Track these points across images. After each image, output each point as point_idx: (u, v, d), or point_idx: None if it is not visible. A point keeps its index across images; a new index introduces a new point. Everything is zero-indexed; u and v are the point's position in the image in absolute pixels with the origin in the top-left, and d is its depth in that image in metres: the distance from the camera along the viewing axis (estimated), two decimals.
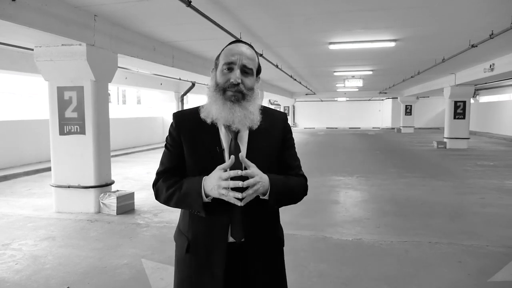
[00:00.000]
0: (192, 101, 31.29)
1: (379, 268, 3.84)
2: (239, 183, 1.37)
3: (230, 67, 1.51)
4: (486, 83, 15.89)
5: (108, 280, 3.60)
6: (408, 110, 27.62)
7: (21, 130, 10.78)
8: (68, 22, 5.16)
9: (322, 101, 34.48)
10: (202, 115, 1.55)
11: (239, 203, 1.40)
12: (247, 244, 1.55)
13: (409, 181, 8.52)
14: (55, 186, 6.02)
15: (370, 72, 14.62)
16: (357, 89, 23.51)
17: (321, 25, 6.76)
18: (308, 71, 14.52)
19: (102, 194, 5.94)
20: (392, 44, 8.15)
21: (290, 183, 1.58)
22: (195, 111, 1.60)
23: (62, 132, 5.93)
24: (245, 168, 1.46)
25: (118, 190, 6.20)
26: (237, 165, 1.47)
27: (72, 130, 5.89)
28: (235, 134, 1.54)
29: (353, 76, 16.15)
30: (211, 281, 1.54)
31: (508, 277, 3.61)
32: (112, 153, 7.15)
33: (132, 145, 16.08)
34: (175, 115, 1.64)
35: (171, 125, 1.63)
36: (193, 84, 17.02)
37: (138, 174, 9.69)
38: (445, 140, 16.14)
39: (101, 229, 5.16)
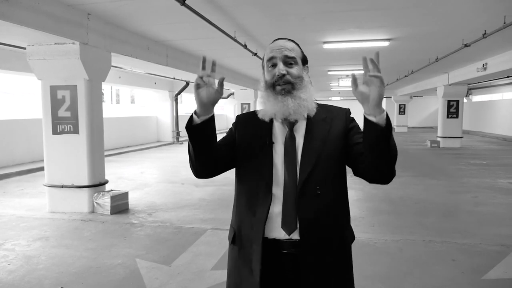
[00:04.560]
0: (186, 100, 31.19)
1: (373, 266, 3.86)
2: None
3: (273, 63, 1.53)
4: (479, 82, 16.00)
5: (102, 280, 3.58)
6: (402, 110, 27.78)
7: (14, 129, 10.67)
8: (61, 20, 5.12)
9: (316, 100, 34.44)
10: (260, 115, 1.57)
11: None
12: (301, 242, 1.46)
13: (403, 180, 8.56)
14: (48, 186, 5.97)
15: None
16: (351, 89, 23.54)
17: (316, 24, 6.76)
18: None
19: (96, 194, 5.90)
20: (386, 43, 8.18)
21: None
22: (254, 112, 1.64)
23: (55, 132, 5.88)
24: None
25: (112, 190, 6.16)
26: (291, 163, 1.50)
27: (66, 130, 5.85)
28: (291, 126, 1.55)
29: (347, 76, 16.17)
30: (249, 275, 1.51)
31: (502, 274, 3.64)
32: (105, 153, 7.11)
33: (126, 144, 16.00)
34: (238, 116, 1.72)
35: (232, 123, 1.70)
36: (187, 83, 16.97)
37: (132, 174, 9.65)
38: (438, 139, 16.24)
39: (95, 229, 5.13)
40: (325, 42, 8.29)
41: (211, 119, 1.47)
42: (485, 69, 11.08)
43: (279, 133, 1.56)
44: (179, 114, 18.70)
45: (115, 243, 4.57)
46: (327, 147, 1.52)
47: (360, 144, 1.49)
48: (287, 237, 1.48)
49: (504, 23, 6.14)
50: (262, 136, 1.56)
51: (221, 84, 1.43)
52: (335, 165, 1.54)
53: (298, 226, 1.47)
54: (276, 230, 1.49)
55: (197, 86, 1.42)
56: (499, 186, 7.80)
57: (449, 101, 15.77)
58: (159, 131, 18.63)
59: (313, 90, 1.59)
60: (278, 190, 1.50)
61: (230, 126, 1.71)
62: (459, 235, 4.79)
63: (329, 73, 15.09)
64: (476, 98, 28.09)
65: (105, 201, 5.80)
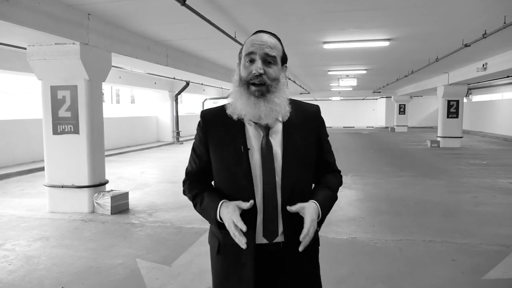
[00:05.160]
0: (186, 100, 31.19)
1: (374, 266, 3.86)
2: (242, 237, 1.40)
3: (251, 58, 1.45)
4: (479, 82, 16.00)
5: (103, 280, 3.58)
6: (402, 109, 27.76)
7: (14, 129, 10.68)
8: (61, 20, 5.12)
9: (316, 100, 34.52)
10: (229, 111, 1.50)
11: (244, 247, 1.40)
12: (285, 245, 1.51)
13: (403, 180, 8.56)
14: (49, 186, 5.97)
15: (364, 72, 14.67)
16: (351, 88, 23.58)
17: (316, 24, 6.77)
18: (303, 70, 14.54)
19: (96, 194, 5.91)
20: (386, 43, 8.18)
21: (334, 194, 1.61)
22: (222, 108, 1.55)
23: (55, 132, 5.88)
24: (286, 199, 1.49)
25: (112, 190, 6.17)
26: (269, 171, 1.48)
27: (66, 130, 5.85)
28: (266, 131, 1.49)
29: (347, 76, 16.19)
30: (240, 283, 1.50)
31: (502, 274, 3.64)
32: (105, 153, 7.11)
33: (126, 144, 16.00)
34: (203, 114, 1.60)
35: (198, 124, 1.59)
36: (187, 83, 16.98)
37: (132, 174, 9.65)
38: (438, 139, 16.25)
39: (95, 229, 5.13)
40: (325, 42, 8.29)
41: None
42: (485, 69, 11.08)
43: (253, 138, 1.50)
44: (179, 114, 18.70)
45: (115, 243, 4.57)
46: (306, 158, 1.54)
47: (324, 159, 1.64)
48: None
49: (504, 23, 6.14)
50: (236, 142, 1.49)
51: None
52: (311, 173, 1.57)
53: (279, 233, 1.51)
54: (259, 237, 1.51)
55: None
56: (499, 186, 7.80)
57: (449, 101, 15.77)
58: (159, 131, 18.64)
59: (288, 93, 1.53)
60: (258, 199, 1.49)
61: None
62: (459, 235, 4.79)
63: (329, 73, 15.10)
64: (476, 98, 28.09)
65: (106, 201, 5.81)
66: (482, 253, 4.18)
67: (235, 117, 1.49)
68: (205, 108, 1.64)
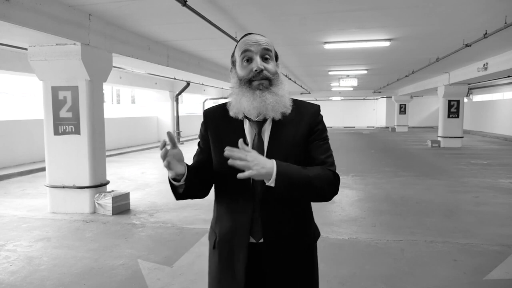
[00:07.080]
0: (187, 100, 31.18)
1: (375, 267, 3.86)
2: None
3: (248, 57, 1.45)
4: (479, 82, 15.99)
5: (104, 281, 3.59)
6: (402, 109, 27.76)
7: (14, 130, 10.68)
8: (62, 21, 5.12)
9: (317, 100, 34.53)
10: (232, 112, 1.49)
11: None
12: (265, 244, 1.49)
13: (404, 180, 8.56)
14: (50, 187, 5.97)
15: (365, 72, 14.66)
16: (352, 89, 23.56)
17: (316, 24, 6.76)
18: (303, 70, 14.53)
19: (97, 194, 5.91)
20: (387, 43, 8.18)
21: (306, 172, 1.39)
22: (224, 106, 1.55)
23: (56, 132, 5.88)
24: None
25: (113, 190, 6.17)
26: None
27: (67, 130, 5.85)
28: (259, 129, 1.49)
29: (348, 76, 16.18)
30: (233, 279, 1.51)
31: (503, 275, 3.64)
32: (106, 153, 7.11)
33: (127, 144, 16.01)
34: (205, 112, 1.61)
35: (202, 123, 1.62)
36: (188, 84, 16.98)
37: (133, 174, 9.65)
38: (439, 139, 16.24)
39: (96, 230, 5.13)
40: (325, 43, 8.28)
41: (189, 171, 1.48)
42: (485, 69, 11.07)
43: (248, 135, 1.50)
44: (179, 114, 18.71)
45: (116, 244, 4.57)
46: (295, 150, 1.48)
47: (310, 154, 1.51)
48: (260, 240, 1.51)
49: (505, 23, 6.14)
50: (236, 135, 1.47)
51: (173, 142, 1.42)
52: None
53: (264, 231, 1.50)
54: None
55: (169, 166, 1.43)
56: (500, 186, 7.79)
57: (449, 101, 15.77)
58: (160, 131, 18.65)
59: (287, 87, 1.53)
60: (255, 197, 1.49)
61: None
62: (460, 235, 4.79)
63: (330, 73, 15.09)
64: (477, 97, 28.08)
65: (107, 202, 5.81)
66: (483, 253, 4.18)
67: (240, 116, 1.48)
68: (208, 107, 1.66)
